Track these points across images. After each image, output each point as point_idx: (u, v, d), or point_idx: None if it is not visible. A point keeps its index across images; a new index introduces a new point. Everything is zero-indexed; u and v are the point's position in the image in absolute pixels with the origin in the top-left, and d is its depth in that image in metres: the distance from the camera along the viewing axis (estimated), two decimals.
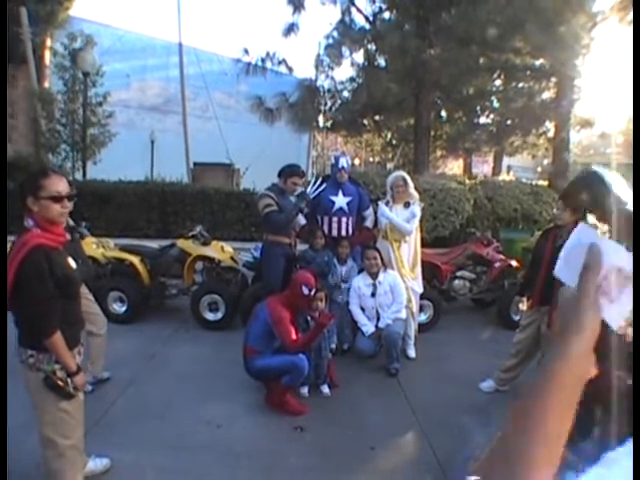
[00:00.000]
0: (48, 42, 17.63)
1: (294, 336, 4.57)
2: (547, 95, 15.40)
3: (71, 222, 5.05)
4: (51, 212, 2.75)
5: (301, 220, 6.24)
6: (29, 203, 2.71)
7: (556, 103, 13.70)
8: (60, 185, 2.80)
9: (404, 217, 6.04)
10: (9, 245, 2.95)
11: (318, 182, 6.10)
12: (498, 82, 16.12)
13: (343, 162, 6.26)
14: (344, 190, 6.20)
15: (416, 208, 6.09)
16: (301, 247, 6.49)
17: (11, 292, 2.67)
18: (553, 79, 13.91)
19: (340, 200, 6.18)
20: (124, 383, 5.05)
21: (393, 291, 5.67)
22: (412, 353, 6.10)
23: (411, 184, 6.20)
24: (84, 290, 4.51)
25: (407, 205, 6.09)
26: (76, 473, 3.03)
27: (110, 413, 4.46)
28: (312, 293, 4.79)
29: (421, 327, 6.51)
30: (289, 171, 5.89)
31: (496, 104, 16.59)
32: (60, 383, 2.77)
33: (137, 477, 3.57)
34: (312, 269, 5.53)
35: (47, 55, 17.73)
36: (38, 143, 16.02)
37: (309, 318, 4.97)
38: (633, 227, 0.55)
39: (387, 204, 6.16)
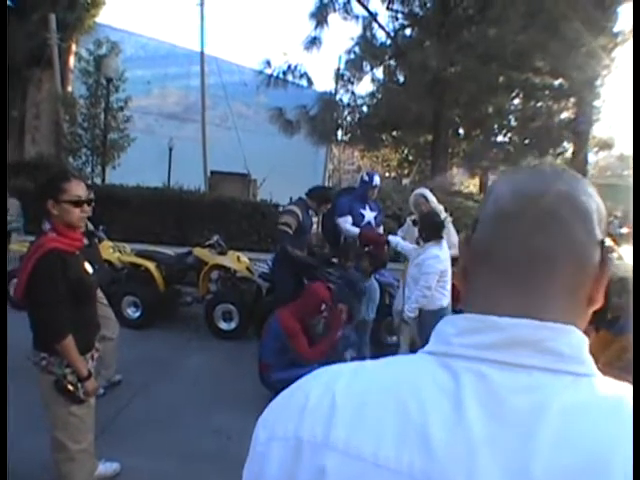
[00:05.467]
0: (73, 47, 17.91)
1: (307, 348, 4.59)
2: (566, 115, 15.37)
3: (90, 226, 5.11)
4: (71, 216, 2.76)
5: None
6: (49, 206, 2.71)
7: (575, 123, 13.66)
8: (80, 189, 2.81)
9: None
10: (27, 245, 2.98)
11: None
12: (517, 101, 16.12)
13: (377, 180, 6.27)
14: (370, 205, 6.26)
15: (447, 225, 6.00)
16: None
17: (24, 295, 2.69)
18: (572, 99, 13.89)
19: (368, 214, 6.23)
20: (135, 388, 5.05)
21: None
22: None
23: (433, 199, 6.15)
24: (99, 294, 4.54)
25: None
26: (86, 476, 3.04)
27: (120, 418, 4.47)
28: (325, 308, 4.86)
29: None
30: (326, 198, 6.09)
31: (514, 123, 16.56)
32: (70, 387, 2.75)
33: None
34: (329, 285, 5.47)
35: (72, 60, 17.99)
36: (59, 146, 16.24)
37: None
38: (633, 227, 0.65)
39: (415, 222, 6.11)
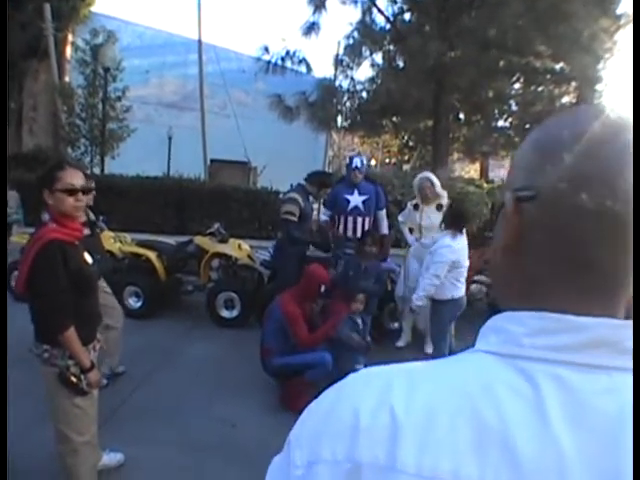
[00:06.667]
0: (69, 37, 17.83)
1: (306, 333, 4.59)
2: (567, 99, 15.27)
3: (92, 216, 5.08)
4: (65, 205, 2.71)
5: (322, 217, 6.29)
6: (45, 196, 2.69)
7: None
8: (75, 178, 2.75)
9: (437, 221, 5.97)
10: (27, 237, 2.94)
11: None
12: (517, 85, 15.99)
13: (357, 162, 6.21)
14: (360, 189, 6.18)
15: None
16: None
17: (26, 286, 2.66)
18: (574, 83, 13.79)
19: (355, 199, 6.13)
20: (138, 379, 5.05)
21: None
22: (429, 349, 6.05)
23: (438, 183, 6.14)
24: (102, 284, 4.52)
25: (440, 207, 6.01)
26: (90, 468, 3.03)
27: (123, 408, 4.46)
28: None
29: None
30: (324, 182, 6.16)
31: (515, 108, 16.46)
32: (73, 379, 2.74)
33: (150, 474, 3.56)
34: (325, 265, 5.51)
35: (68, 50, 17.91)
36: (58, 137, 16.21)
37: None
38: (633, 226, 0.56)
39: (416, 207, 6.10)
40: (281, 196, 8.98)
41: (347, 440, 0.57)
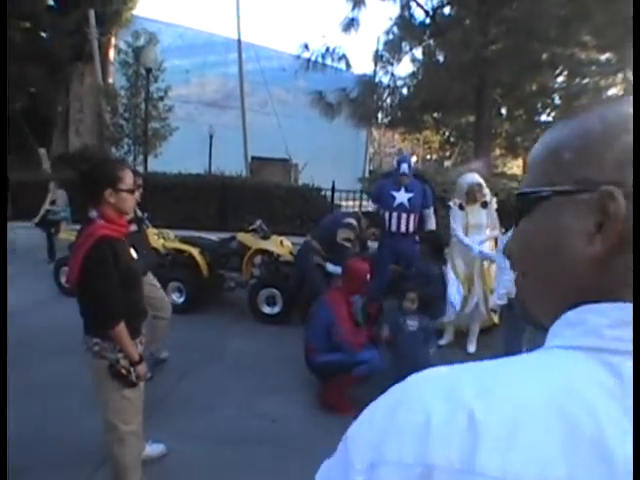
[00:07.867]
0: (113, 40, 18.19)
1: (350, 336, 4.57)
2: (614, 92, 14.85)
3: (139, 213, 5.20)
4: (128, 203, 2.85)
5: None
6: (107, 195, 2.77)
7: None
8: (131, 177, 2.89)
9: (483, 219, 5.94)
10: (74, 234, 3.03)
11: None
12: (561, 78, 15.61)
13: (404, 168, 6.27)
14: (407, 186, 6.20)
15: (493, 207, 6.01)
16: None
17: (77, 283, 2.74)
18: (620, 75, 13.40)
19: (401, 196, 6.19)
20: (180, 373, 5.13)
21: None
22: (472, 348, 5.98)
23: (484, 184, 6.09)
24: (149, 277, 4.64)
25: (485, 205, 5.97)
26: (135, 457, 3.10)
27: (166, 402, 4.53)
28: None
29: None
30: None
31: (558, 101, 16.09)
32: (123, 372, 2.82)
33: (189, 465, 3.61)
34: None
35: (111, 53, 18.28)
36: (102, 137, 16.55)
37: None
38: (633, 226, 0.54)
39: (461, 207, 6.00)
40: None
41: (417, 441, 0.52)
